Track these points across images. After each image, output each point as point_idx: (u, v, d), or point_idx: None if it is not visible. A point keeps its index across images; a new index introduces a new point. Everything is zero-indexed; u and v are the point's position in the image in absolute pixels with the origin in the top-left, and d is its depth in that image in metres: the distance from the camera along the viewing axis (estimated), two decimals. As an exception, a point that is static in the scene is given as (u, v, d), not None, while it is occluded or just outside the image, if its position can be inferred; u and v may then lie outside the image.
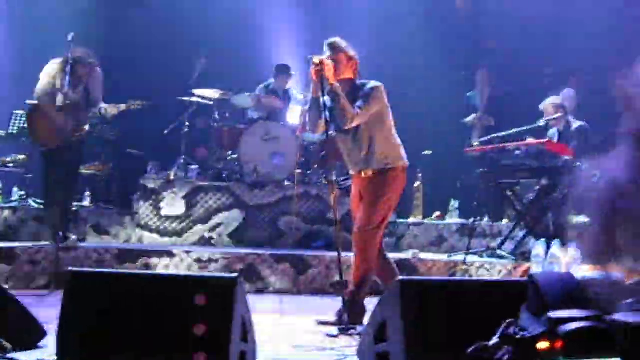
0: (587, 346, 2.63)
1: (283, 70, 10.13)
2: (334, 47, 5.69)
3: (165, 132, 9.81)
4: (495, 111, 10.10)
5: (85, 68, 7.67)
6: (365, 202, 5.66)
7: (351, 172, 5.86)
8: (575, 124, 8.46)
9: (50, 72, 7.69)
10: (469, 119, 10.08)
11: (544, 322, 2.78)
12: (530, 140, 8.40)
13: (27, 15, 11.22)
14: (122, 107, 7.99)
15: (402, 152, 5.78)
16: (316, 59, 5.50)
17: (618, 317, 2.73)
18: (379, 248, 5.74)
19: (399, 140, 5.80)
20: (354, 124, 5.54)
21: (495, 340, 2.84)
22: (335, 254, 7.56)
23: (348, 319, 5.45)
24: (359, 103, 5.55)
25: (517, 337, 2.77)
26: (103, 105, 7.86)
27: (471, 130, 10.18)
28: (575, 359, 2.64)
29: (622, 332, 2.62)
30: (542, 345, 2.69)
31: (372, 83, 5.65)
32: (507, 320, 2.87)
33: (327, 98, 5.56)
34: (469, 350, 2.87)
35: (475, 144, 9.83)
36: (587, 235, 2.85)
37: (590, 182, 2.86)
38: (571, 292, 3.06)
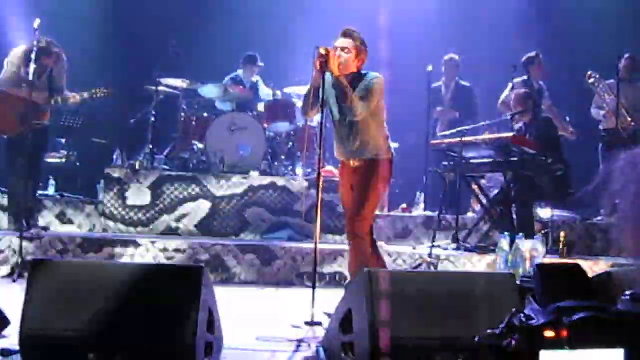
0: (592, 336, 2.69)
1: (250, 61, 10.12)
2: (352, 37, 5.71)
3: (132, 121, 9.74)
4: (460, 104, 10.13)
5: (50, 56, 7.60)
6: (356, 192, 5.72)
7: (340, 158, 5.90)
8: (541, 116, 8.54)
9: (13, 59, 7.62)
10: (435, 110, 10.09)
11: (550, 312, 2.83)
12: (495, 134, 8.47)
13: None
14: (85, 95, 7.90)
15: (390, 143, 5.88)
16: (322, 50, 5.50)
17: (622, 307, 2.80)
18: (370, 237, 5.78)
19: (387, 132, 5.87)
20: (362, 116, 5.61)
21: (500, 328, 2.89)
22: (301, 244, 7.65)
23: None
24: (361, 94, 5.60)
25: (523, 325, 2.81)
26: (66, 93, 7.78)
27: (436, 122, 10.21)
28: (580, 348, 2.69)
29: (628, 322, 2.69)
30: (548, 334, 2.73)
31: (373, 74, 5.71)
32: (513, 310, 2.92)
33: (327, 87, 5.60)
34: (476, 339, 2.92)
35: (440, 135, 9.89)
36: (624, 228, 2.92)
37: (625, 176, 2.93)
38: (576, 283, 3.13)
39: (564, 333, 2.71)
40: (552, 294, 3.04)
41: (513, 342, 2.80)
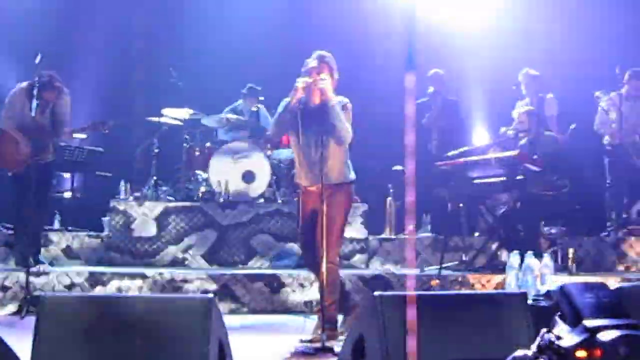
0: (626, 355, 2.63)
1: (252, 93, 10.14)
2: (327, 64, 5.73)
3: (136, 153, 9.73)
4: (447, 118, 10.08)
5: (53, 92, 7.62)
6: (328, 218, 5.61)
7: (306, 184, 5.88)
8: (545, 134, 8.51)
9: (17, 95, 7.63)
10: (425, 119, 10.04)
11: (581, 331, 2.78)
12: (501, 152, 8.44)
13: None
14: (87, 129, 7.90)
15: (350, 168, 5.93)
16: (321, 74, 5.58)
17: None
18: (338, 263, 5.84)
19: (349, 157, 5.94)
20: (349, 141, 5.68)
21: (532, 350, 2.83)
22: (306, 271, 7.61)
23: (325, 336, 5.45)
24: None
25: (555, 346, 2.76)
26: (67, 129, 7.76)
27: (429, 134, 10.10)
28: None
29: None
30: (581, 354, 2.68)
31: (344, 99, 5.70)
32: (543, 330, 2.87)
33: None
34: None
35: (432, 149, 9.85)
36: None
37: None
38: (604, 301, 3.06)
39: (598, 353, 2.66)
40: (580, 313, 2.98)
41: None
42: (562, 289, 3.24)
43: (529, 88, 9.60)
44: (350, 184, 5.83)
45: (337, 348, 5.00)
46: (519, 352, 2.93)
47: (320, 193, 5.67)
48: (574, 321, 2.95)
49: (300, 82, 5.62)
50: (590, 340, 2.72)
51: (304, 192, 5.95)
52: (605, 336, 2.72)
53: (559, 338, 2.84)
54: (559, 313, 3.15)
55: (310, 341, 5.60)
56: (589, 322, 2.85)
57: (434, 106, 10.08)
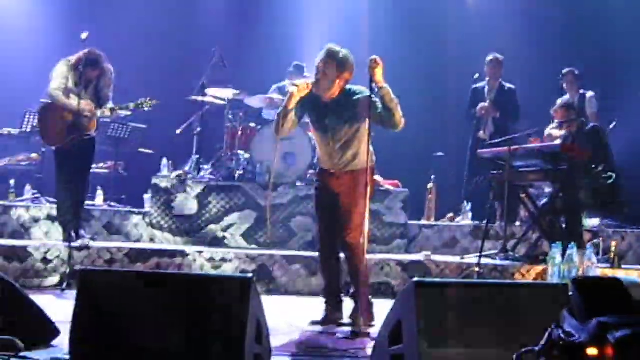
0: (639, 354, 2.55)
1: (298, 71, 10.10)
2: (334, 57, 5.64)
3: (178, 131, 9.76)
4: (503, 106, 9.96)
5: (95, 69, 7.66)
6: (349, 203, 5.71)
7: (327, 169, 5.90)
8: (588, 125, 8.39)
9: (62, 71, 7.67)
10: (477, 109, 9.94)
11: (592, 328, 2.70)
12: (544, 142, 8.35)
13: (41, 13, 11.24)
14: (131, 106, 7.93)
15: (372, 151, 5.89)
16: (374, 57, 5.49)
17: None
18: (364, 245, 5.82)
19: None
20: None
21: (541, 345, 2.76)
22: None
23: (362, 319, 5.52)
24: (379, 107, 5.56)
25: (565, 343, 2.69)
26: (109, 105, 7.80)
27: (479, 122, 10.01)
28: None
29: None
30: (592, 351, 2.60)
31: (365, 90, 5.66)
32: (552, 326, 2.79)
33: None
34: (515, 355, 2.81)
35: (481, 134, 9.78)
36: None
37: None
38: (617, 297, 2.99)
39: (609, 351, 2.58)
40: (592, 309, 2.91)
41: None
42: (574, 283, 3.16)
43: (570, 87, 9.56)
44: (371, 170, 5.76)
45: (374, 333, 5.00)
46: (528, 348, 2.85)
47: (340, 178, 5.75)
48: (584, 317, 2.85)
49: (293, 88, 5.63)
50: (601, 338, 2.63)
51: (324, 176, 5.95)
52: (617, 334, 2.62)
53: (568, 334, 2.76)
54: (569, 308, 3.06)
55: (322, 322, 5.80)
56: (601, 319, 2.76)
57: (489, 92, 9.97)
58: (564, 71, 9.71)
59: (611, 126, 9.56)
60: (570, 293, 3.10)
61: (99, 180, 9.78)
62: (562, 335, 2.73)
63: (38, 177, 9.68)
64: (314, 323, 5.83)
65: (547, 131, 8.69)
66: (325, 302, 5.99)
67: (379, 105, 5.54)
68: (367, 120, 5.60)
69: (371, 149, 5.78)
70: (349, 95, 5.69)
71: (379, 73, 5.47)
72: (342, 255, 5.94)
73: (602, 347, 2.60)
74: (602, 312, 2.81)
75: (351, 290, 5.91)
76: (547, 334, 2.80)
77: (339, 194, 5.80)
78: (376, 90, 5.51)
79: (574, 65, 9.84)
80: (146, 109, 7.94)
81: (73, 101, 7.46)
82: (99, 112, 7.72)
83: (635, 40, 11.00)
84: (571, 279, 6.15)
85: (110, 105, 7.78)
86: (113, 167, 10.28)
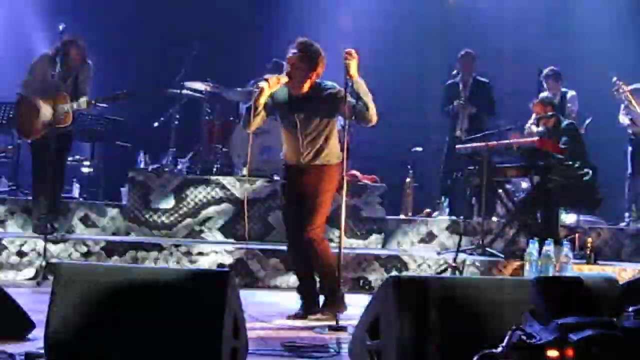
0: (600, 355, 2.55)
1: (277, 68, 10.07)
2: (305, 50, 5.64)
3: (155, 124, 9.70)
4: (479, 100, 10.01)
5: (76, 59, 7.61)
6: (314, 197, 5.69)
7: (292, 164, 5.87)
8: (565, 121, 8.43)
9: (39, 63, 7.64)
10: (452, 106, 9.97)
11: (553, 329, 2.70)
12: (521, 138, 8.39)
13: (21, 5, 11.15)
14: (107, 99, 7.86)
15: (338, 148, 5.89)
16: (349, 49, 5.47)
17: (628, 323, 2.66)
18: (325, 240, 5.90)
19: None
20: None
21: (502, 347, 2.76)
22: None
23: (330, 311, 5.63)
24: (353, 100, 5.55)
25: (525, 344, 2.69)
26: (85, 98, 7.72)
27: (455, 118, 10.05)
28: None
29: (636, 340, 2.56)
30: (552, 353, 2.60)
31: (336, 85, 5.66)
32: (512, 327, 2.78)
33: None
34: (475, 358, 2.80)
35: (458, 132, 9.82)
36: None
37: None
38: (579, 298, 2.99)
39: (570, 353, 2.58)
40: (553, 310, 2.91)
41: None
42: (534, 283, 3.15)
43: (551, 85, 9.62)
44: (338, 165, 5.79)
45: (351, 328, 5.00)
46: (487, 351, 2.85)
47: (306, 173, 5.73)
48: (546, 318, 2.86)
49: (263, 83, 5.59)
50: (562, 339, 2.64)
51: (290, 172, 5.92)
52: (578, 335, 2.62)
53: (529, 336, 2.76)
54: (530, 310, 3.06)
55: (295, 316, 5.78)
56: (562, 320, 2.76)
57: (463, 87, 9.99)
58: (545, 70, 9.75)
59: (587, 122, 9.63)
60: (532, 294, 3.10)
61: (75, 174, 9.72)
62: (523, 337, 2.73)
63: (14, 169, 9.60)
64: (290, 317, 5.82)
65: (527, 126, 8.73)
66: (301, 297, 5.98)
67: (352, 99, 5.53)
68: (337, 115, 5.61)
69: (337, 144, 5.80)
70: (320, 90, 5.68)
71: (353, 66, 5.44)
72: None
73: (562, 349, 2.59)
74: (563, 313, 2.80)
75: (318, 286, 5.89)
76: (507, 336, 2.79)
77: (304, 189, 5.76)
78: (350, 83, 5.49)
79: (553, 62, 9.90)
80: (121, 99, 7.87)
81: (47, 94, 7.43)
82: (74, 105, 7.65)
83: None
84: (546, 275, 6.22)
85: (85, 98, 7.71)
86: (89, 159, 10.22)
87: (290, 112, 5.75)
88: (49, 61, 7.57)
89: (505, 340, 2.75)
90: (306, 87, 5.66)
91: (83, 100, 7.67)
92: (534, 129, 8.53)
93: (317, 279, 5.91)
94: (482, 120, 9.75)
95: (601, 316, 2.80)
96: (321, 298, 5.95)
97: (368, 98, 5.52)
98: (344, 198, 5.48)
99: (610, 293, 3.28)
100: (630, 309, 2.77)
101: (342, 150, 5.69)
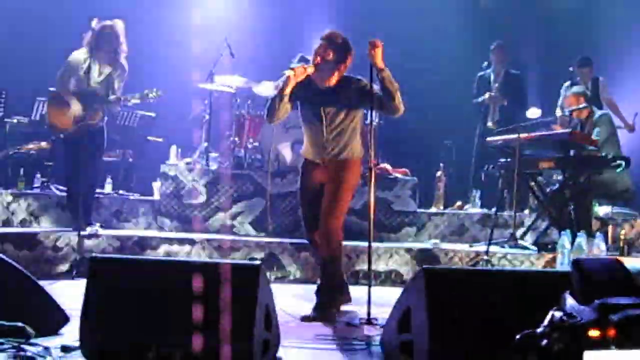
0: None
1: (304, 60, 10.08)
2: (335, 42, 5.63)
3: (190, 118, 9.76)
4: (510, 92, 9.95)
5: (110, 46, 7.68)
6: (330, 189, 5.68)
7: (311, 158, 5.85)
8: (597, 113, 8.36)
9: (74, 59, 7.72)
10: (482, 98, 9.94)
11: (593, 309, 2.70)
12: (554, 130, 8.34)
13: (56, 2, 11.24)
14: (137, 97, 7.92)
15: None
16: (374, 39, 5.45)
17: None
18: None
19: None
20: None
21: (543, 327, 2.76)
22: (355, 242, 7.59)
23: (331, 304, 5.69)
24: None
25: (567, 324, 2.69)
26: (113, 96, 7.77)
27: (486, 110, 10.02)
28: (628, 349, 2.56)
29: None
30: (594, 333, 2.60)
31: (362, 78, 5.66)
32: (554, 308, 2.78)
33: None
34: (517, 337, 2.80)
35: (489, 124, 9.78)
36: None
37: None
38: (618, 279, 2.99)
39: (612, 332, 2.58)
40: (592, 290, 2.91)
41: (557, 342, 2.69)
42: (575, 265, 3.15)
43: (582, 73, 9.55)
44: (360, 160, 5.80)
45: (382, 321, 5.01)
46: (530, 330, 2.85)
47: (327, 167, 5.72)
48: (586, 299, 2.86)
49: (290, 72, 5.56)
50: (603, 319, 2.64)
51: (309, 165, 5.89)
52: (619, 315, 2.63)
53: (570, 316, 2.76)
54: (569, 290, 3.06)
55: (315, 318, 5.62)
56: (603, 300, 2.76)
57: (494, 79, 9.95)
58: (582, 58, 9.70)
59: (635, 116, 9.55)
60: (571, 274, 3.10)
61: (107, 169, 9.79)
62: (564, 317, 2.73)
63: (48, 165, 9.69)
64: (304, 319, 5.68)
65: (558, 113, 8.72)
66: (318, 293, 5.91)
67: (379, 90, 5.52)
68: (364, 109, 5.61)
69: (359, 139, 5.79)
70: (347, 83, 5.65)
71: (378, 55, 5.41)
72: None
73: (604, 329, 2.60)
74: (603, 293, 2.81)
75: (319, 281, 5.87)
76: (549, 316, 2.80)
77: (324, 183, 5.74)
78: (376, 73, 5.47)
79: (584, 52, 9.84)
80: (151, 99, 7.93)
81: (80, 90, 7.53)
82: (104, 103, 7.72)
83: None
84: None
85: (115, 95, 7.77)
86: (122, 155, 10.29)
87: (316, 105, 5.70)
88: (83, 57, 7.66)
89: (547, 320, 2.75)
90: (334, 80, 5.63)
91: (113, 97, 7.73)
92: (559, 112, 8.51)
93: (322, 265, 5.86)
94: (513, 112, 9.69)
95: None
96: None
97: (394, 87, 5.48)
98: (372, 192, 5.47)
99: None
100: None
101: (368, 143, 5.65)
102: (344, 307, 5.87)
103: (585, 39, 10.98)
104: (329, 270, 5.74)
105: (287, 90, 5.57)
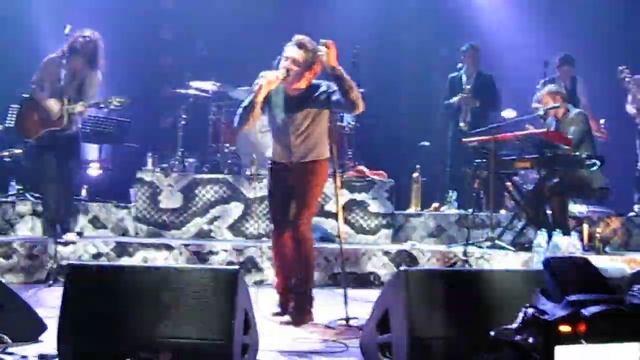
0: (610, 330, 2.61)
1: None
2: (305, 48, 5.61)
3: (167, 123, 9.73)
4: (482, 93, 10.00)
5: (81, 56, 7.61)
6: (304, 193, 5.68)
7: (279, 160, 5.83)
8: (573, 111, 8.41)
9: (46, 65, 7.66)
10: (454, 99, 9.99)
11: (564, 306, 2.76)
12: (529, 130, 8.38)
13: (24, 8, 11.16)
14: (100, 103, 7.83)
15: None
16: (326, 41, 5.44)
17: (637, 301, 2.72)
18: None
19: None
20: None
21: (516, 323, 2.82)
22: (333, 245, 7.59)
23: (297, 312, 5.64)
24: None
25: (538, 321, 2.75)
26: (80, 102, 7.67)
27: (458, 111, 10.06)
28: (597, 343, 2.62)
29: None
30: (564, 328, 2.66)
31: (322, 82, 5.67)
32: (526, 305, 2.84)
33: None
34: (492, 333, 2.85)
35: (461, 125, 9.82)
36: None
37: None
38: (587, 277, 3.05)
39: (582, 327, 2.65)
40: (564, 288, 2.97)
41: (529, 337, 2.75)
42: (546, 264, 3.22)
43: (562, 71, 9.64)
44: (325, 161, 5.77)
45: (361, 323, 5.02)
46: (503, 327, 2.91)
47: (296, 170, 5.69)
48: (557, 296, 2.93)
49: (263, 79, 5.55)
50: (574, 315, 2.71)
51: (277, 167, 5.88)
52: (589, 311, 2.70)
53: (542, 313, 2.83)
54: (542, 288, 3.13)
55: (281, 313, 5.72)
56: (573, 297, 2.83)
57: (467, 81, 9.99)
58: (560, 56, 9.78)
59: (602, 122, 9.66)
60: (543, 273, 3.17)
61: (83, 175, 9.74)
62: (536, 314, 2.79)
63: (23, 172, 9.62)
64: (275, 314, 5.79)
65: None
66: (280, 294, 5.93)
67: (335, 89, 5.51)
68: (328, 110, 5.62)
69: (326, 141, 5.79)
70: (314, 89, 5.65)
71: (332, 55, 5.40)
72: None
73: (574, 324, 2.65)
74: (572, 290, 2.87)
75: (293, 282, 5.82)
76: (521, 314, 2.86)
77: (293, 185, 5.73)
78: (330, 71, 5.46)
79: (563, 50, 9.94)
80: (114, 107, 7.83)
81: (44, 99, 7.48)
82: (69, 108, 7.61)
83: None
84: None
85: (81, 102, 7.65)
86: (98, 162, 10.25)
87: (284, 110, 5.70)
88: (56, 63, 7.60)
89: (519, 317, 2.81)
90: (303, 84, 5.64)
91: (79, 104, 7.62)
92: (536, 104, 8.59)
93: (293, 274, 5.81)
94: (485, 114, 9.75)
95: (609, 294, 2.87)
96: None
97: (348, 83, 5.42)
98: (339, 193, 5.50)
99: (620, 280, 3.34)
100: (636, 287, 2.82)
101: (332, 145, 5.68)
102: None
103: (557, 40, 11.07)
104: (301, 273, 5.73)
105: (260, 98, 5.58)
